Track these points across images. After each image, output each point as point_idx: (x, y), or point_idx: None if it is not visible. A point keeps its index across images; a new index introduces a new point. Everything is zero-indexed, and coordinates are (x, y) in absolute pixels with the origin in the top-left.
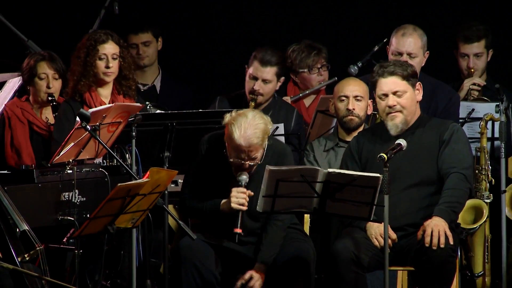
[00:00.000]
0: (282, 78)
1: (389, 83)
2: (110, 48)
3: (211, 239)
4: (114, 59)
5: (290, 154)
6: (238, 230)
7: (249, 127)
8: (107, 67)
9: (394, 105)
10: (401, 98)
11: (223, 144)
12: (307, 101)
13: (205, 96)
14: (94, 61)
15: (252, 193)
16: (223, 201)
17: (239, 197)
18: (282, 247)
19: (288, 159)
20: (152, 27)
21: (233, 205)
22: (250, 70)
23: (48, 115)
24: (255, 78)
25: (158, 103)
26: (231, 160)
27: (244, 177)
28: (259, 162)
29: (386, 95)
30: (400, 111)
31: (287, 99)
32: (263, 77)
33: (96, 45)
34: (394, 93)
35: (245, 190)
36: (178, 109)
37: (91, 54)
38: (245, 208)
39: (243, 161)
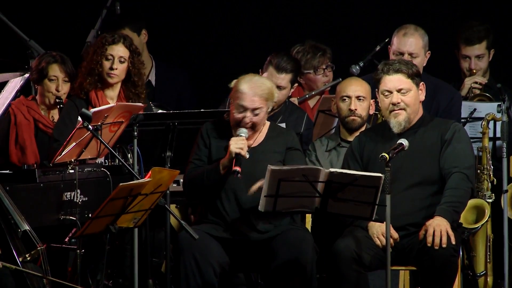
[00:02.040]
0: (295, 85)
1: (394, 80)
2: (118, 50)
3: (214, 232)
4: (121, 62)
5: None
6: (237, 168)
7: (257, 81)
8: (111, 68)
9: (398, 103)
10: (405, 96)
11: (224, 126)
12: (311, 102)
13: (204, 80)
14: (101, 60)
15: (251, 144)
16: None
17: (238, 142)
18: (279, 248)
19: (293, 134)
20: (128, 22)
21: (232, 148)
22: (265, 75)
23: (54, 115)
24: None
25: (158, 103)
26: (234, 114)
27: (244, 130)
28: (259, 119)
29: (390, 92)
30: (404, 109)
31: (294, 100)
32: (278, 83)
33: (105, 45)
34: (399, 91)
35: (244, 139)
36: (177, 98)
37: (98, 53)
38: (244, 153)
39: (245, 114)
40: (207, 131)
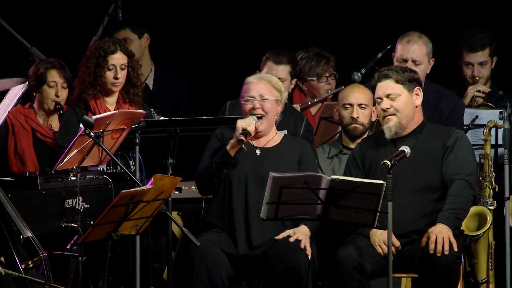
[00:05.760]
0: (294, 80)
1: (383, 87)
2: (119, 59)
3: (221, 246)
4: (122, 69)
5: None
6: (242, 137)
7: (263, 73)
8: (116, 77)
9: (388, 108)
10: (394, 101)
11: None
12: (313, 109)
13: (206, 88)
14: (104, 72)
15: (259, 125)
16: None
17: (246, 120)
18: (273, 253)
19: (310, 150)
20: (131, 24)
21: (239, 124)
22: (264, 71)
23: (53, 122)
24: None
25: (160, 110)
26: (244, 106)
27: (254, 116)
28: (268, 106)
29: (381, 99)
30: (394, 114)
31: (297, 107)
32: (278, 75)
33: (106, 56)
34: (388, 96)
35: (252, 120)
36: (174, 105)
37: (101, 65)
38: (251, 129)
39: (253, 101)
40: (222, 135)
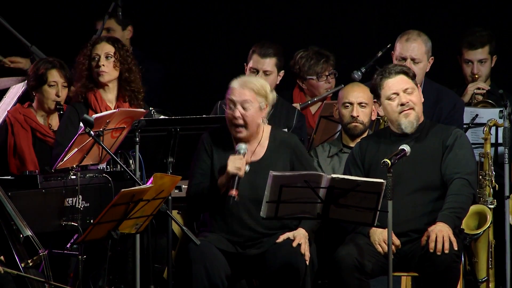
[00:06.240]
0: (282, 72)
1: (398, 82)
2: (103, 49)
3: (219, 245)
4: (107, 58)
5: (299, 142)
6: (234, 193)
7: (248, 78)
8: (98, 66)
9: (407, 102)
10: (412, 95)
11: (225, 134)
12: (313, 108)
13: (202, 87)
14: (89, 62)
15: (250, 161)
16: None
17: (236, 161)
18: (272, 255)
19: (300, 148)
20: (116, 16)
21: (229, 168)
22: (250, 64)
23: (52, 121)
24: (255, 71)
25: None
26: (226, 113)
27: (243, 146)
28: (250, 115)
29: (396, 94)
30: (413, 108)
31: (296, 106)
32: (264, 68)
33: (92, 47)
34: (405, 91)
35: (242, 157)
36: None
37: (86, 56)
38: (241, 173)
39: (234, 109)
40: (209, 141)
